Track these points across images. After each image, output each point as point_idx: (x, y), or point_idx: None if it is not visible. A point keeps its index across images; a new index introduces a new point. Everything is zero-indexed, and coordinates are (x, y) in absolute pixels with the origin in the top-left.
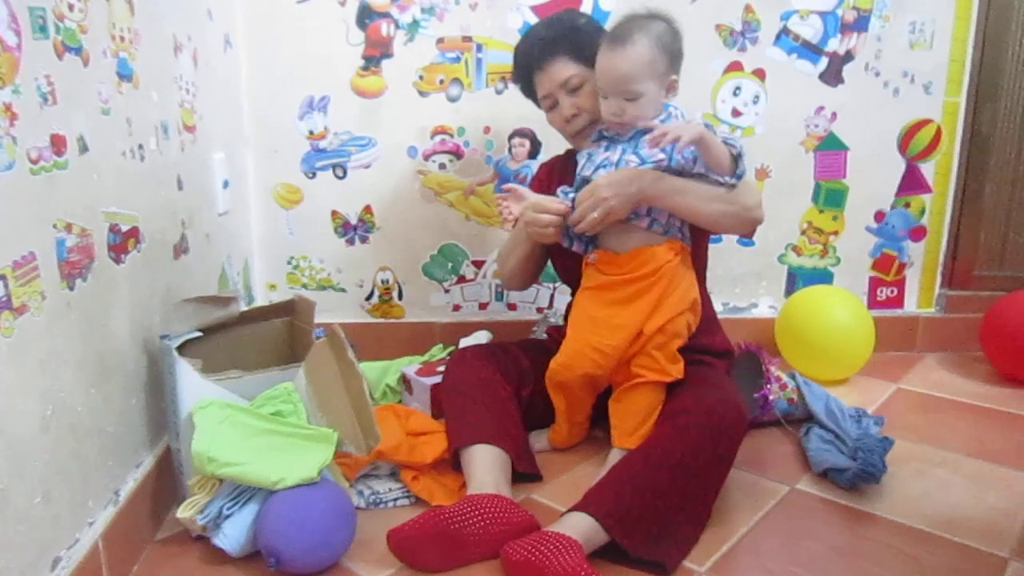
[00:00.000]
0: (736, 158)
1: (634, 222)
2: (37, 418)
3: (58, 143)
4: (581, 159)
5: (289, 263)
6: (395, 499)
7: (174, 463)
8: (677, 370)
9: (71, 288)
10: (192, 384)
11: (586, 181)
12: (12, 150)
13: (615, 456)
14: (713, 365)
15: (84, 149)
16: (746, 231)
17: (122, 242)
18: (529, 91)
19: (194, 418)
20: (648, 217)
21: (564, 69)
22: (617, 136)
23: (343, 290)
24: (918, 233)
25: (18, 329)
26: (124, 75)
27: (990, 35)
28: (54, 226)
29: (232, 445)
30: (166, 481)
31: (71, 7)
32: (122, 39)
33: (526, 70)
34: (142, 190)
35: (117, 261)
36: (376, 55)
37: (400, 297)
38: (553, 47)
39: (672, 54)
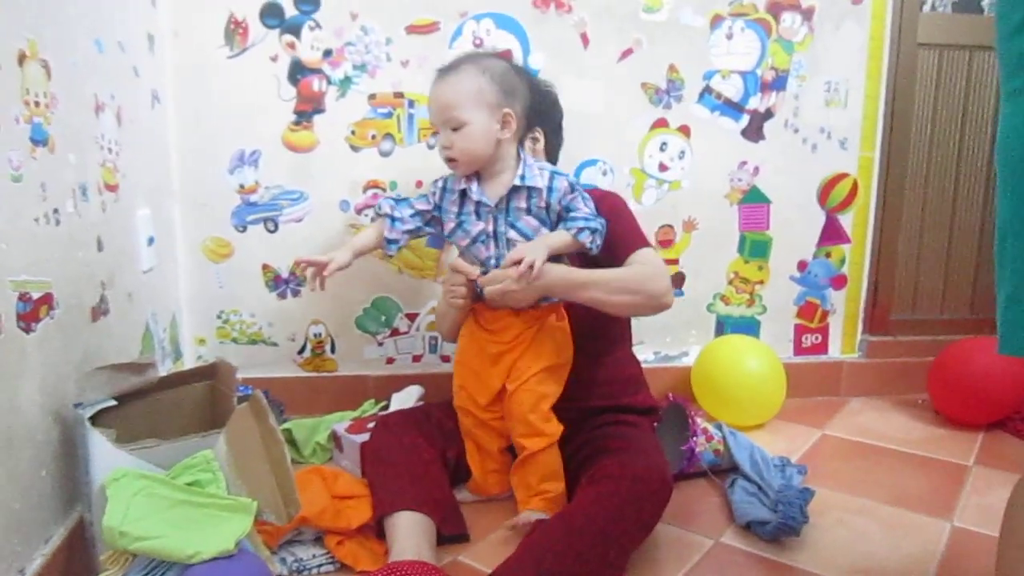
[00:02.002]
0: (592, 234)
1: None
2: None
3: None
4: (449, 219)
5: (219, 317)
6: (319, 566)
7: (86, 537)
8: (552, 428)
9: None
10: (106, 455)
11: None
12: None
13: (524, 516)
14: (638, 425)
15: None
16: (653, 314)
17: (33, 310)
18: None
19: (107, 490)
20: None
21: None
22: (481, 202)
23: (275, 344)
24: (839, 281)
25: None
26: (38, 140)
27: (899, 94)
28: None
29: (146, 518)
30: (78, 556)
31: None
32: (36, 104)
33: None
34: (57, 255)
35: (27, 331)
36: (308, 110)
37: (333, 351)
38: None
39: (505, 87)
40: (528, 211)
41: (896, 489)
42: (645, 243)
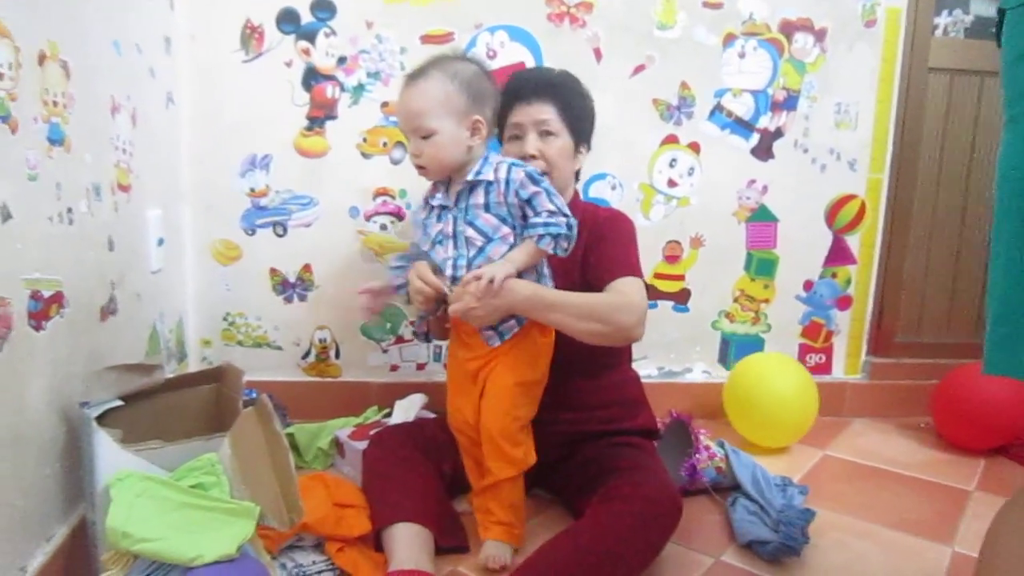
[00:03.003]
0: (555, 240)
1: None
2: None
3: None
4: (417, 228)
5: (225, 319)
6: (319, 572)
7: (88, 536)
8: (521, 455)
9: None
10: (111, 455)
11: (424, 256)
12: None
13: (493, 553)
14: (641, 447)
15: (7, 217)
16: (621, 345)
17: (44, 308)
18: (497, 117)
19: (111, 491)
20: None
21: (546, 112)
22: (444, 206)
23: (279, 348)
24: (844, 302)
25: None
26: (55, 140)
27: (908, 117)
28: None
29: (149, 520)
30: (79, 555)
31: (1, 76)
32: (55, 104)
33: (512, 96)
34: (69, 254)
35: (38, 329)
36: (320, 116)
37: (337, 356)
38: (555, 90)
39: (474, 93)
40: (487, 208)
41: (897, 512)
42: (633, 272)
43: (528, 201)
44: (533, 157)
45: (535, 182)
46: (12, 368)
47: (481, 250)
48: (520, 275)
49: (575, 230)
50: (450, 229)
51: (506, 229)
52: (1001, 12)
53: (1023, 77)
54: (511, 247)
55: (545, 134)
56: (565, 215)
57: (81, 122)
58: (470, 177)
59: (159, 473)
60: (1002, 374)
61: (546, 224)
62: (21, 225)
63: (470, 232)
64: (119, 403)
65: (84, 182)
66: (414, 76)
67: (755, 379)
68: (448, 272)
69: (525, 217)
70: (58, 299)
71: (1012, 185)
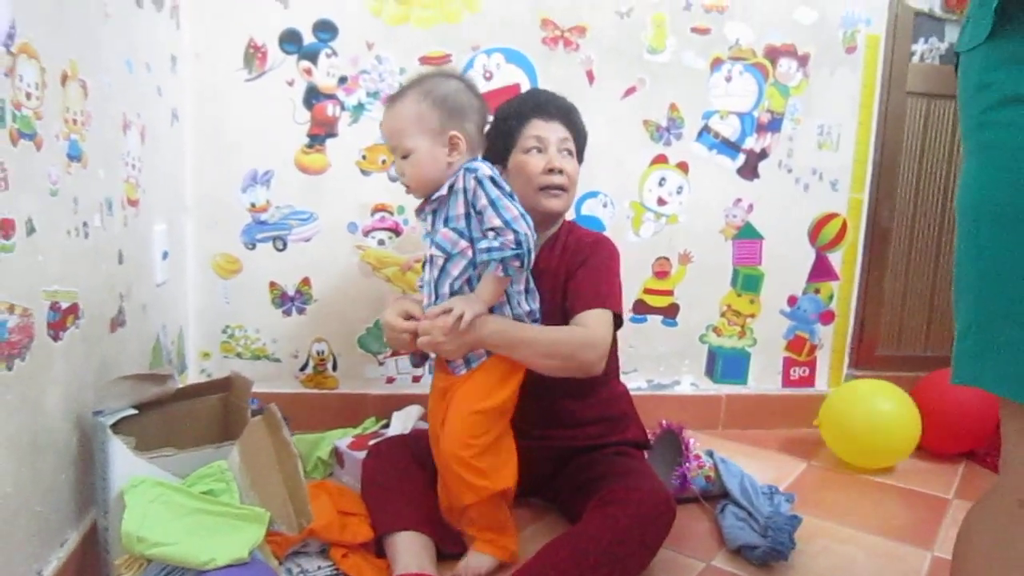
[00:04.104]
0: (502, 263)
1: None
2: None
3: (7, 227)
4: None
5: (224, 332)
6: None
7: (100, 541)
8: (483, 482)
9: (9, 368)
10: (125, 462)
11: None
12: None
13: (468, 558)
14: (632, 455)
15: (31, 231)
16: (577, 376)
17: (61, 319)
18: (508, 132)
19: (125, 497)
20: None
21: (565, 132)
22: (426, 230)
23: (278, 360)
24: (827, 317)
25: None
26: (74, 156)
27: (888, 139)
28: None
29: (162, 524)
30: (91, 560)
31: (28, 96)
32: (74, 122)
33: (532, 109)
34: (84, 266)
35: (55, 339)
36: (321, 134)
37: (335, 368)
38: (568, 115)
39: (449, 109)
40: (446, 222)
41: (879, 519)
42: (603, 303)
43: (480, 214)
44: (561, 171)
45: (484, 190)
46: (32, 377)
47: (443, 269)
48: (506, 292)
49: (526, 244)
50: (427, 252)
51: (464, 243)
52: (956, 55)
53: (977, 111)
54: (469, 262)
55: (567, 153)
56: (514, 229)
57: (96, 139)
58: (434, 196)
59: (171, 480)
60: (968, 384)
61: (489, 250)
62: (43, 238)
63: (434, 251)
64: (133, 412)
65: (98, 197)
66: (392, 97)
67: (848, 405)
68: (424, 300)
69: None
70: (74, 310)
71: (969, 209)
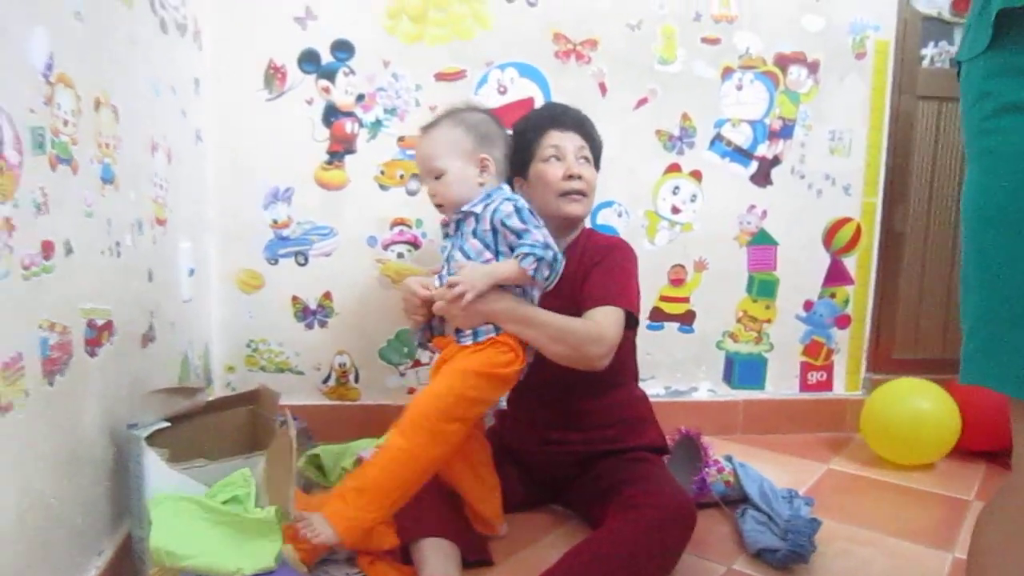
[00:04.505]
0: (537, 262)
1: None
2: (14, 512)
3: (47, 248)
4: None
5: (248, 346)
6: None
7: (135, 551)
8: (415, 442)
9: (51, 384)
10: (159, 473)
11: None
12: (8, 259)
13: (315, 518)
14: (651, 461)
15: (69, 252)
16: (582, 369)
17: (97, 336)
18: (527, 145)
19: (150, 514)
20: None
21: (580, 141)
22: (447, 233)
23: (301, 373)
24: (843, 321)
25: (3, 427)
26: (107, 179)
27: (899, 143)
28: (39, 326)
29: (189, 537)
30: (127, 569)
31: (65, 123)
32: (107, 146)
33: (549, 121)
34: (116, 284)
35: (92, 355)
36: (340, 151)
37: (356, 380)
38: (583, 125)
39: (481, 134)
40: (474, 234)
41: (899, 521)
42: (615, 301)
43: (517, 233)
44: (580, 177)
45: (521, 217)
46: (72, 392)
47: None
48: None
49: (559, 265)
50: (448, 252)
51: (488, 254)
52: (959, 63)
53: (978, 119)
54: None
55: (584, 160)
56: (553, 249)
57: (127, 161)
58: (464, 208)
59: (200, 490)
60: (976, 384)
61: (532, 246)
62: (80, 259)
63: (457, 255)
64: (166, 424)
65: (129, 217)
66: (426, 127)
67: (895, 400)
68: (436, 284)
69: (512, 248)
70: (108, 327)
71: (972, 214)
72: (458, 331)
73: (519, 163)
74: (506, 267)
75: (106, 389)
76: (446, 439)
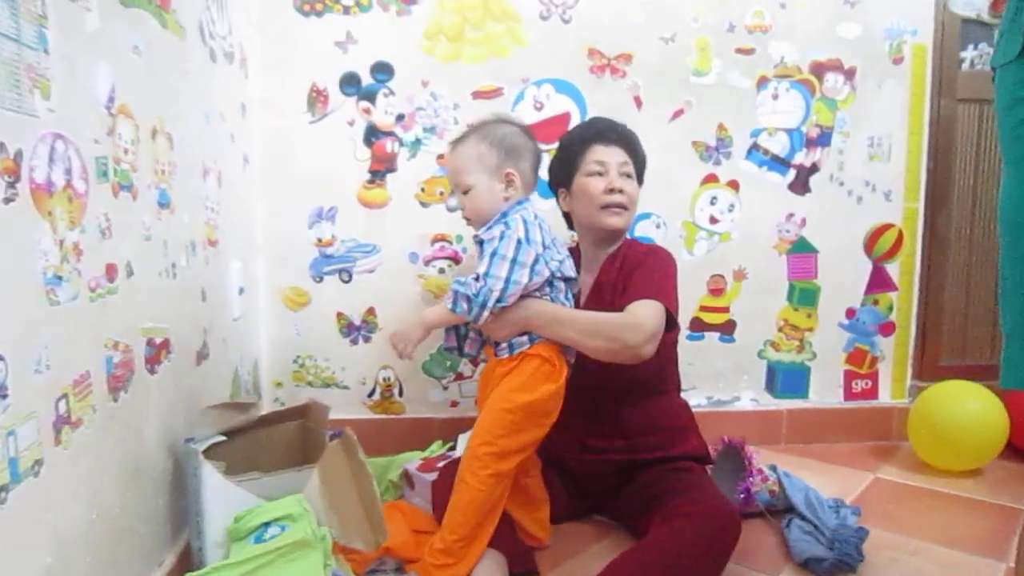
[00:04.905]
0: (455, 296)
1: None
2: (85, 523)
3: (111, 271)
4: None
5: (295, 362)
6: None
7: (194, 562)
8: (478, 483)
9: (115, 400)
10: (216, 485)
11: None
12: (77, 283)
13: None
14: (694, 470)
15: (130, 274)
16: (628, 363)
17: (156, 354)
18: (571, 158)
19: None
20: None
21: (625, 157)
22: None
23: (346, 387)
24: (887, 328)
25: (73, 441)
26: (163, 204)
27: (940, 147)
28: (104, 345)
29: None
30: None
31: (126, 151)
32: (163, 172)
33: (593, 136)
34: (173, 304)
35: (152, 372)
36: (381, 170)
37: (400, 394)
38: (627, 140)
39: (506, 148)
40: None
41: (949, 530)
42: (655, 295)
43: (483, 256)
44: (621, 191)
45: (501, 241)
46: (134, 407)
47: None
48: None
49: (482, 298)
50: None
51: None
52: (993, 68)
53: (1011, 125)
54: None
55: (626, 176)
56: (487, 283)
57: (181, 186)
58: (476, 233)
59: (255, 502)
60: (1016, 387)
61: (461, 282)
62: (140, 280)
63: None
64: (221, 438)
65: (184, 240)
66: (455, 141)
67: (935, 407)
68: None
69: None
70: (166, 345)
71: (1008, 218)
72: (496, 344)
73: (564, 175)
74: (433, 311)
75: (164, 405)
76: (509, 474)
